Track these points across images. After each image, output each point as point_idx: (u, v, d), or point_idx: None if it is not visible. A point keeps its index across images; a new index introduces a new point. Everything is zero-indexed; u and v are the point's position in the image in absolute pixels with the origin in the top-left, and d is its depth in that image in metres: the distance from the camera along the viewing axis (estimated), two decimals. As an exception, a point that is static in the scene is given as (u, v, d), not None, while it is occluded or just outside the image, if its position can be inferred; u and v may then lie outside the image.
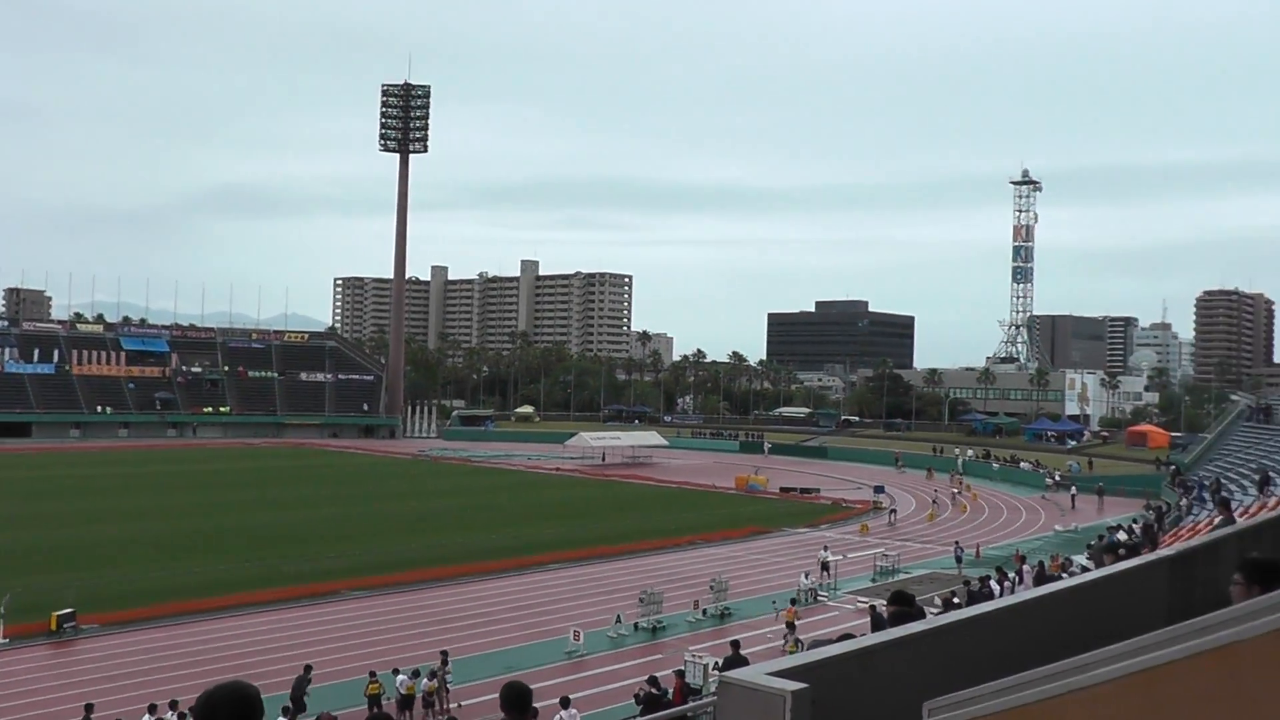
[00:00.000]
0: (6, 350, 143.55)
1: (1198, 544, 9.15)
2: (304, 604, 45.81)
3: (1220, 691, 3.59)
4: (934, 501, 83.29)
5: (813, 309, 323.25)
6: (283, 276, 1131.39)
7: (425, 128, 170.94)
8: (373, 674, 32.06)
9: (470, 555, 56.94)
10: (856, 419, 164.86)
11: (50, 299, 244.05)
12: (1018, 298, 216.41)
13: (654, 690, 28.35)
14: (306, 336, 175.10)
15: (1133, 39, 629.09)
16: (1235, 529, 9.68)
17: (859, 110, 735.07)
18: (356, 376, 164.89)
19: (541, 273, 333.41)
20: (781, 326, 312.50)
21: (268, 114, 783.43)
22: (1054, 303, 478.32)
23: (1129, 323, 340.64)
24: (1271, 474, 47.52)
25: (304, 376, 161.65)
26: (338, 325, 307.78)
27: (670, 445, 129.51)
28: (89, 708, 29.21)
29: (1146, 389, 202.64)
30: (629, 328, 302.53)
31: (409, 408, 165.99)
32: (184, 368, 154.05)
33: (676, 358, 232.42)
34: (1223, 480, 54.50)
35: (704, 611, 44.30)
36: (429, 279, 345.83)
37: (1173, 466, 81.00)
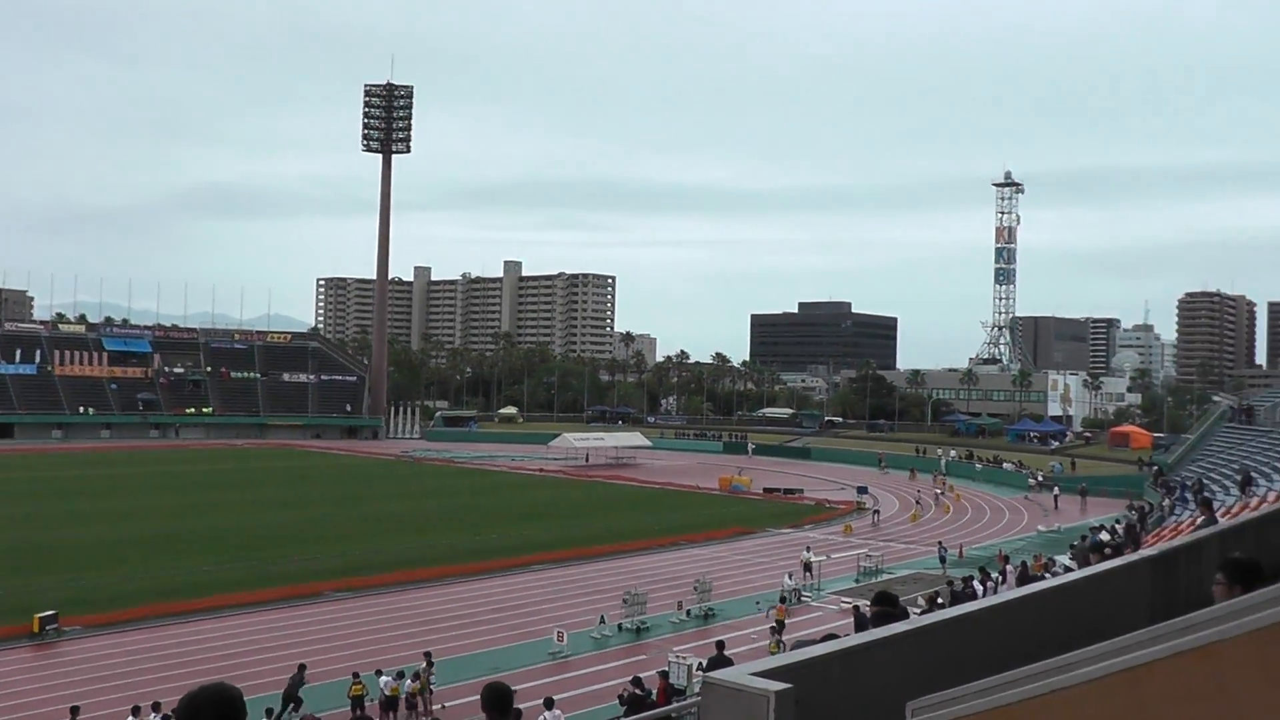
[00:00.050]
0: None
1: (1180, 544, 9.18)
2: (287, 605, 45.68)
3: (1202, 690, 3.60)
4: (917, 502, 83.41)
5: (796, 310, 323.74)
6: (265, 277, 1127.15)
7: (408, 128, 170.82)
8: (356, 675, 32.00)
9: (453, 556, 56.85)
10: (840, 420, 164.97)
11: (32, 299, 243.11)
12: (1000, 299, 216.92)
13: (638, 691, 28.31)
14: (289, 337, 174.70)
15: (1115, 41, 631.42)
16: (1217, 529, 9.71)
17: (842, 112, 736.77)
18: (339, 377, 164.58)
19: (525, 273, 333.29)
20: (765, 327, 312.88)
21: (250, 114, 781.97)
22: (1036, 304, 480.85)
23: (1111, 324, 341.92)
24: (1253, 474, 47.72)
25: (287, 377, 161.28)
26: (320, 326, 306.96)
27: (654, 446, 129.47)
28: (75, 710, 29.10)
29: (1129, 390, 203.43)
30: (612, 328, 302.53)
31: (392, 409, 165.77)
32: (166, 368, 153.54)
33: (660, 359, 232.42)
34: (1205, 481, 54.67)
35: (688, 612, 44.29)
36: (412, 280, 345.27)
37: (1155, 467, 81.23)
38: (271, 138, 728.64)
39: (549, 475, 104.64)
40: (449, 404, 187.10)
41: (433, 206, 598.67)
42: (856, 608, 34.60)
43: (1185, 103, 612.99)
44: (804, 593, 49.02)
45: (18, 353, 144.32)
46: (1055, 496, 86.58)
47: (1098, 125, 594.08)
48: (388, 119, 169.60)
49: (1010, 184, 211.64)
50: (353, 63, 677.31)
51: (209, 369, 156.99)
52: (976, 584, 36.68)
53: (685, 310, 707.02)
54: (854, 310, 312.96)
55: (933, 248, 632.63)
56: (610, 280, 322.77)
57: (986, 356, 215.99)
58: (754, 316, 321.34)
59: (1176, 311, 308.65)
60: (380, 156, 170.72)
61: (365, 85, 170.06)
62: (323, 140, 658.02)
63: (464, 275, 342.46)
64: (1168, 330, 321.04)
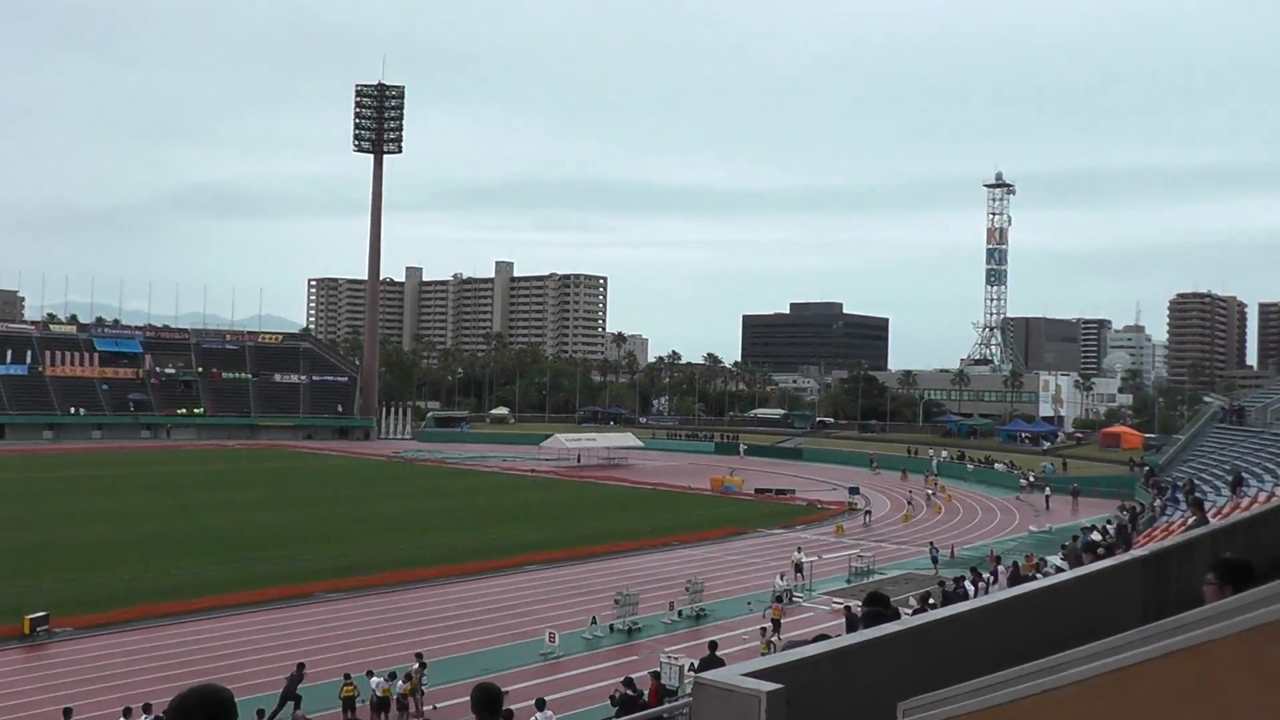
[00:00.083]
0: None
1: (1171, 544, 9.19)
2: (278, 606, 45.61)
3: (1193, 690, 3.60)
4: (909, 502, 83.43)
5: (788, 311, 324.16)
6: (257, 277, 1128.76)
7: (399, 128, 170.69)
8: (347, 676, 31.95)
9: (445, 557, 56.78)
10: (831, 420, 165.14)
11: (23, 299, 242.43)
12: (992, 300, 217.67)
13: (629, 692, 28.31)
14: (280, 338, 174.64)
15: (1106, 43, 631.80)
16: (1208, 529, 9.72)
17: (833, 113, 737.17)
18: (331, 378, 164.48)
19: (516, 274, 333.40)
20: (756, 328, 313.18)
21: (241, 114, 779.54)
22: (1028, 305, 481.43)
23: (1102, 325, 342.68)
24: (1244, 475, 47.81)
25: (278, 378, 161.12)
26: (312, 326, 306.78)
27: (645, 447, 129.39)
28: (68, 712, 29.02)
29: (1120, 391, 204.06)
30: (604, 329, 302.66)
31: (383, 409, 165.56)
32: (158, 369, 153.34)
33: (652, 359, 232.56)
34: (1196, 481, 54.82)
35: (679, 613, 44.29)
36: (404, 280, 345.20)
37: (1146, 468, 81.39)
38: (266, 138, 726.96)
39: (541, 476, 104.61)
40: (440, 405, 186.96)
41: (425, 207, 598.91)
42: (848, 608, 34.62)
43: (1177, 104, 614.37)
44: (795, 593, 49.04)
45: (9, 353, 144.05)
46: (1047, 497, 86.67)
47: (1089, 126, 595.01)
48: (379, 119, 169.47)
49: (1001, 185, 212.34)
50: (344, 63, 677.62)
51: (200, 369, 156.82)
52: (968, 584, 36.66)
53: (677, 311, 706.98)
54: (846, 311, 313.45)
55: (924, 249, 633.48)
56: (602, 281, 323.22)
57: (978, 357, 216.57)
58: (746, 317, 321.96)
59: (1168, 312, 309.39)
60: (372, 157, 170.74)
61: (356, 85, 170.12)
62: (314, 140, 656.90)
63: (456, 276, 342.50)
64: (1159, 331, 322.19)
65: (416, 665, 33.09)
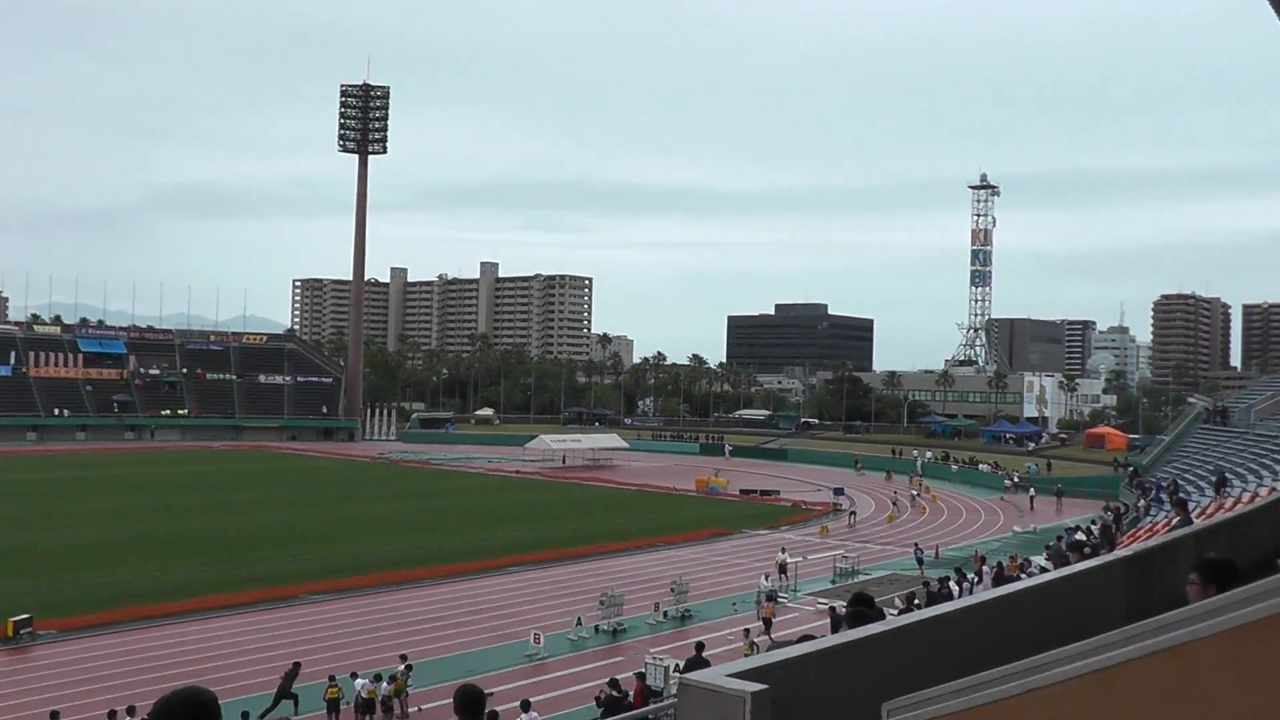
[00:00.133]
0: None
1: (1155, 544, 9.22)
2: (263, 608, 45.52)
3: (1177, 690, 3.62)
4: (894, 503, 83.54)
5: (772, 311, 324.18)
6: (241, 278, 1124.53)
7: (384, 129, 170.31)
8: (332, 678, 31.87)
9: (430, 558, 56.68)
10: (816, 421, 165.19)
11: (7, 300, 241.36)
12: (976, 301, 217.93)
13: (615, 693, 28.31)
14: (265, 338, 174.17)
15: (1091, 45, 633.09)
16: (1192, 530, 9.76)
17: (818, 114, 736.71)
18: (315, 379, 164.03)
19: (501, 275, 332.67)
20: (741, 329, 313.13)
21: (225, 113, 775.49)
22: (1012, 306, 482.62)
23: (1087, 326, 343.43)
24: (1228, 475, 48.00)
25: (262, 379, 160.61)
26: (296, 327, 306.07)
27: (631, 448, 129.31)
28: (55, 715, 28.92)
29: (1104, 391, 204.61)
30: (589, 330, 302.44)
31: (368, 410, 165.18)
32: (142, 370, 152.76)
33: (637, 360, 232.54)
34: (1180, 482, 55.06)
35: (665, 614, 44.30)
36: (388, 281, 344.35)
37: (1130, 468, 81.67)
38: (247, 138, 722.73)
39: (526, 477, 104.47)
40: (425, 405, 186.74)
41: (410, 207, 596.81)
42: (833, 609, 34.68)
43: (1162, 106, 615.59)
44: (780, 594, 49.06)
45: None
46: (1031, 497, 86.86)
47: (1073, 128, 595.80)
48: (364, 119, 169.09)
49: (986, 186, 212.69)
50: (329, 63, 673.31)
51: (184, 370, 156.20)
52: (953, 585, 36.76)
53: (662, 312, 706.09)
54: (830, 312, 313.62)
55: (909, 250, 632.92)
56: (587, 281, 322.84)
57: (962, 358, 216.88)
58: (731, 318, 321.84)
59: (1152, 314, 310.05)
60: (356, 157, 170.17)
61: (341, 85, 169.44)
62: (299, 140, 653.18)
63: (440, 276, 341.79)
64: (1143, 332, 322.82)
65: (401, 667, 33.04)
